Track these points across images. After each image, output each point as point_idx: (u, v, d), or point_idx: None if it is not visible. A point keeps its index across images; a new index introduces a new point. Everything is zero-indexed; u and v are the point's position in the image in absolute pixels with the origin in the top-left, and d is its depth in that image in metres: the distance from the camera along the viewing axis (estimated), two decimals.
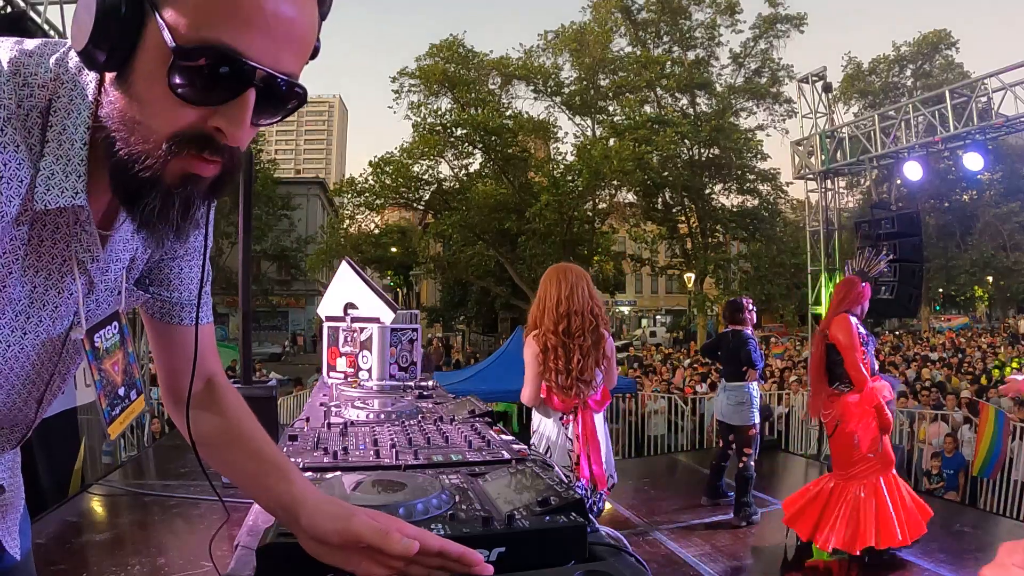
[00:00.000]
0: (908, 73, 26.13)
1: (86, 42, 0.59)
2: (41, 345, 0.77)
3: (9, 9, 5.01)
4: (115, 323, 0.86)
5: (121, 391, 0.90)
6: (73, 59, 0.66)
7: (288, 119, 0.73)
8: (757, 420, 4.92)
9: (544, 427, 2.95)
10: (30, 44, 0.66)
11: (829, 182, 9.49)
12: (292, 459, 1.05)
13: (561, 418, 2.89)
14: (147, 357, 5.93)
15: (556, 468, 1.13)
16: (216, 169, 0.65)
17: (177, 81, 0.59)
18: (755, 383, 4.97)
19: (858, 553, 3.51)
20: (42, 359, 0.78)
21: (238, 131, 0.63)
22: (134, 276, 0.86)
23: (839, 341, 3.65)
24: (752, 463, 4.83)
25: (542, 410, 2.97)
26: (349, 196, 22.01)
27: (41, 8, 5.24)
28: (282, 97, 0.64)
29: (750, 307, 5.10)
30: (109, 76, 0.63)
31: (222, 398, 0.92)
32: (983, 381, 10.75)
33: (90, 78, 0.65)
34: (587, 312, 2.81)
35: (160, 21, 0.57)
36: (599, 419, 2.95)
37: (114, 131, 0.62)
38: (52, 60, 0.65)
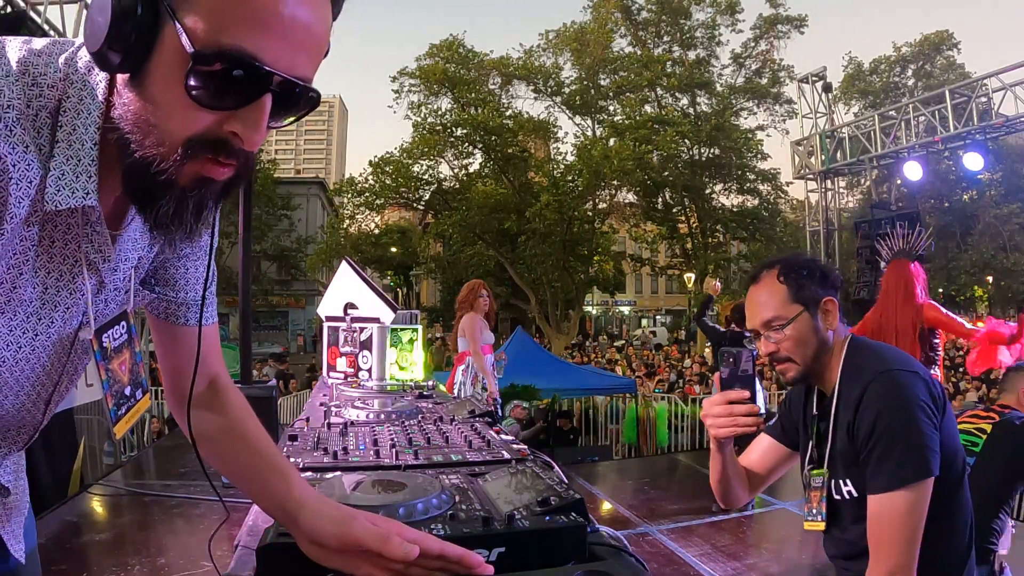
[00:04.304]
0: (909, 73, 26.10)
1: (101, 44, 0.59)
2: (52, 346, 0.76)
3: (9, 9, 5.01)
4: (123, 323, 0.86)
5: (127, 391, 0.90)
6: (83, 59, 0.65)
7: None
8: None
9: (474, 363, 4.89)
10: (39, 43, 0.65)
11: (829, 182, 9.49)
12: (292, 459, 1.05)
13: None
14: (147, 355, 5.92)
15: (556, 467, 1.13)
16: (230, 172, 0.65)
17: (194, 85, 0.59)
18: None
19: None
20: (52, 360, 0.78)
21: (254, 135, 0.63)
22: (140, 276, 0.86)
23: (939, 320, 3.58)
24: None
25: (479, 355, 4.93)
26: (349, 196, 21.98)
27: (41, 8, 5.24)
28: (296, 101, 0.65)
29: None
30: (122, 77, 0.63)
31: (225, 398, 0.93)
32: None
33: (100, 78, 0.65)
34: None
35: (178, 26, 0.57)
36: (490, 359, 5.00)
37: (128, 133, 0.62)
38: (61, 60, 0.65)
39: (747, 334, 1.50)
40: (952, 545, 1.31)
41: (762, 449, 1.57)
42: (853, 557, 1.37)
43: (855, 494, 1.34)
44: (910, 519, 1.22)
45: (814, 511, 1.43)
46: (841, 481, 1.37)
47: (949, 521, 1.30)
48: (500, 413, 5.02)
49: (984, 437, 2.10)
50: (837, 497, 1.39)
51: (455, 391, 4.77)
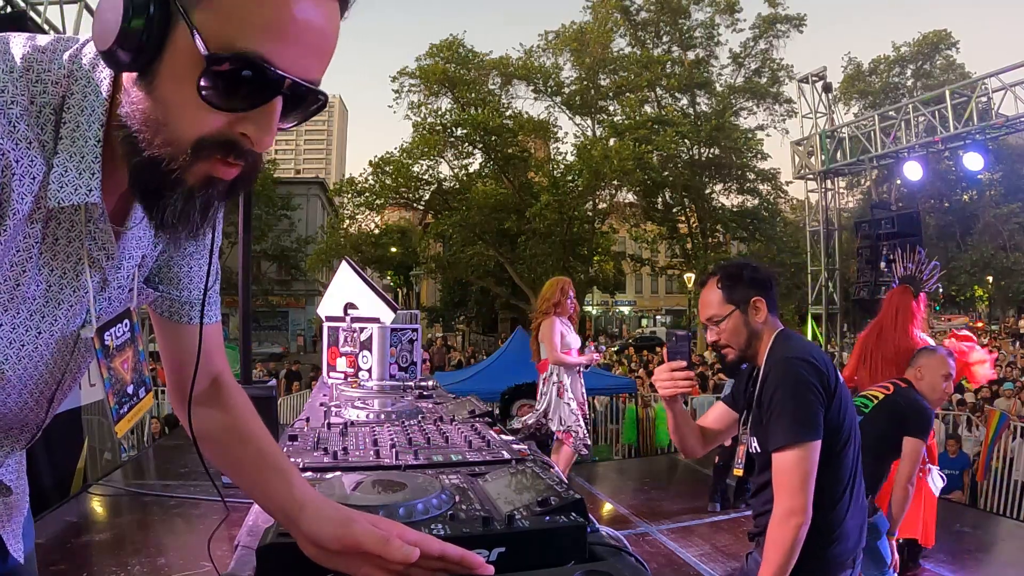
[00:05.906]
0: (908, 73, 26.10)
1: (112, 42, 0.58)
2: (55, 344, 0.76)
3: (9, 9, 5.01)
4: (126, 321, 0.86)
5: (130, 389, 0.89)
6: (87, 55, 0.65)
7: None
8: None
9: (563, 375, 4.45)
10: (43, 40, 0.65)
11: (829, 182, 9.49)
12: (292, 459, 1.05)
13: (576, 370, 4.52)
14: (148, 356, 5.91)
15: (555, 468, 1.13)
16: (237, 172, 0.66)
17: (207, 87, 0.58)
18: None
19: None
20: (55, 358, 0.78)
21: (265, 137, 0.63)
22: (144, 274, 0.85)
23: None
24: None
25: (562, 365, 4.44)
26: (349, 196, 21.96)
27: (41, 8, 5.24)
28: (306, 103, 0.65)
29: None
30: (129, 75, 0.62)
31: (227, 397, 0.92)
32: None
33: (104, 75, 0.64)
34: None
35: (191, 27, 0.57)
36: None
37: (136, 131, 0.62)
38: (66, 56, 0.65)
39: None
40: (836, 491, 1.67)
41: (717, 413, 2.00)
42: (754, 496, 1.83)
43: (759, 450, 1.74)
44: (798, 470, 1.57)
45: (739, 462, 1.85)
46: (752, 439, 1.77)
47: (835, 473, 1.67)
48: (585, 434, 4.56)
49: (874, 403, 2.57)
50: (751, 451, 1.78)
51: (540, 405, 4.57)
